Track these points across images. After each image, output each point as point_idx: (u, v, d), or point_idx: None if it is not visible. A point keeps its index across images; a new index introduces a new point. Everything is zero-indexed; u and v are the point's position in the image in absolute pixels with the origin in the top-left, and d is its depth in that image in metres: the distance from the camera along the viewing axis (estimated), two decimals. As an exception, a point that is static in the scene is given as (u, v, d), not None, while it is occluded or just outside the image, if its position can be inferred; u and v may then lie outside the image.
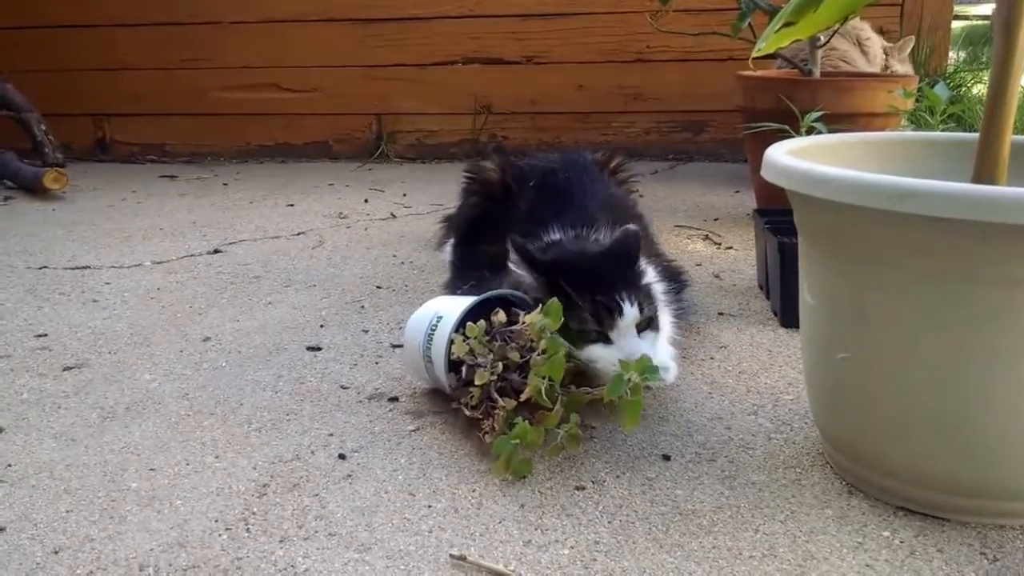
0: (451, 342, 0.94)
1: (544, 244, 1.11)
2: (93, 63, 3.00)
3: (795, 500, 0.81)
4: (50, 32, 3.00)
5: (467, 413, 0.92)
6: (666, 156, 2.84)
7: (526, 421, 0.86)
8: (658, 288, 1.10)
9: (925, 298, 0.71)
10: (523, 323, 0.93)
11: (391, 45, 2.89)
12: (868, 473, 0.81)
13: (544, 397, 0.87)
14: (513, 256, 1.02)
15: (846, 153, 0.94)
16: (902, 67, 2.32)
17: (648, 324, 1.00)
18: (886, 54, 2.32)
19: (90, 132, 3.08)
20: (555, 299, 0.92)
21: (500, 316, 0.95)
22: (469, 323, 0.95)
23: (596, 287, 0.97)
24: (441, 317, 0.98)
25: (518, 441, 0.85)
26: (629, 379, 0.85)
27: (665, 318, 1.07)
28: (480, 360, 0.92)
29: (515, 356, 0.92)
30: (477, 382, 0.91)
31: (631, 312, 0.96)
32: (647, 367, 0.85)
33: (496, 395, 0.91)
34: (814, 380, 0.88)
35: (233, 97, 2.98)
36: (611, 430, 0.95)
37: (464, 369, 0.93)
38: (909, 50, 2.35)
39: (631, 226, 1.07)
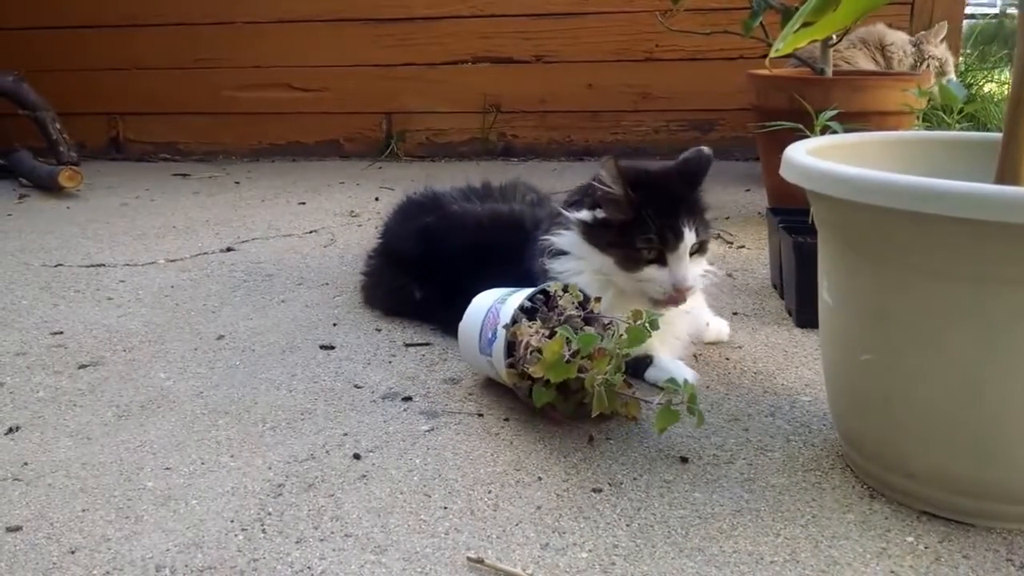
0: (547, 285, 1.00)
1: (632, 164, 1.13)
2: (107, 63, 3.01)
3: (816, 504, 0.80)
4: (65, 32, 3.01)
5: (523, 328, 0.94)
6: (675, 155, 2.80)
7: (595, 336, 0.90)
8: None
9: (950, 299, 0.70)
10: (623, 317, 0.96)
11: (401, 45, 2.89)
12: (890, 476, 0.80)
13: (611, 344, 0.90)
14: (605, 173, 1.04)
15: (864, 153, 0.93)
16: (939, 50, 2.26)
17: (699, 248, 1.05)
18: (915, 45, 2.27)
19: (104, 131, 3.09)
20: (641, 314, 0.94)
21: (598, 305, 1.00)
22: (573, 284, 1.00)
23: (666, 209, 1.03)
24: (520, 291, 1.03)
25: (575, 343, 0.89)
26: (675, 399, 0.86)
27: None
28: (571, 300, 0.97)
29: (589, 331, 0.95)
30: (562, 302, 0.96)
31: (690, 237, 1.02)
32: (694, 401, 0.86)
33: (572, 312, 0.95)
34: (834, 381, 0.87)
35: (245, 96, 2.99)
36: (626, 432, 0.95)
37: (551, 293, 0.99)
38: (944, 34, 2.28)
39: (704, 148, 1.11)
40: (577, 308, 0.98)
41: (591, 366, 0.89)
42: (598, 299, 1.00)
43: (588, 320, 0.98)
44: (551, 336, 0.92)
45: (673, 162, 1.13)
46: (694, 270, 1.04)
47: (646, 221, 1.01)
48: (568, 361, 0.89)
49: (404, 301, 1.32)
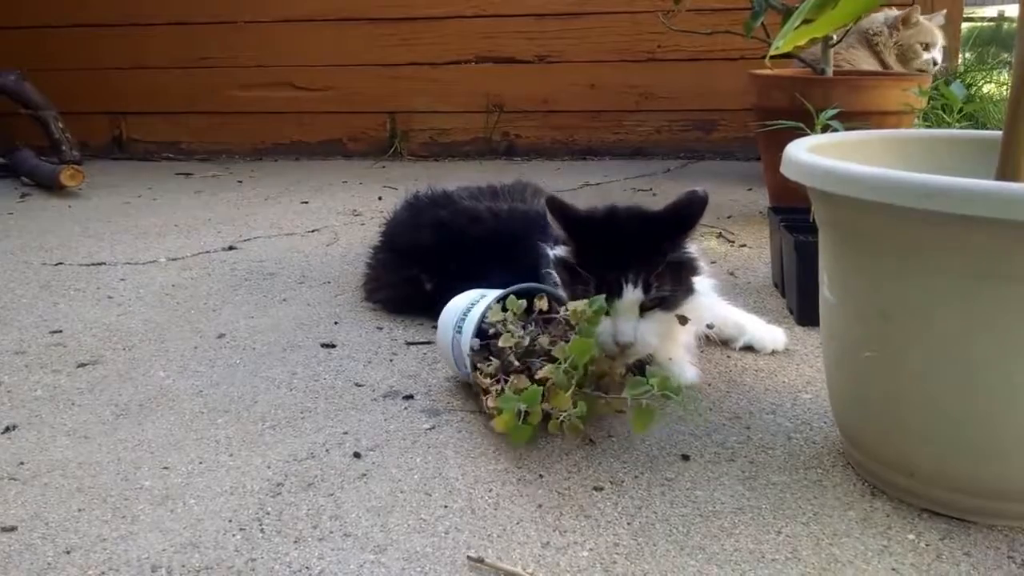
0: (487, 309, 0.96)
1: (593, 207, 1.07)
2: (110, 62, 3.02)
3: (817, 502, 0.80)
4: (68, 31, 3.02)
5: (481, 379, 0.92)
6: (678, 155, 2.83)
7: (539, 388, 0.87)
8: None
9: (952, 296, 0.69)
10: (565, 310, 0.94)
11: (404, 44, 2.89)
12: (891, 474, 0.80)
13: (561, 375, 0.87)
14: (549, 214, 1.01)
15: (865, 150, 0.93)
16: (905, 35, 2.22)
17: (658, 304, 0.99)
18: (889, 27, 2.22)
19: (107, 130, 3.09)
20: (603, 297, 0.92)
21: (543, 303, 0.97)
22: (511, 297, 0.96)
23: (610, 261, 0.97)
24: (484, 296, 1.01)
25: (523, 404, 0.85)
26: (648, 390, 0.84)
27: (701, 301, 1.06)
28: (512, 328, 0.93)
29: (543, 341, 0.93)
30: (500, 343, 0.92)
31: (631, 296, 0.97)
32: (668, 386, 0.84)
33: (514, 362, 0.91)
34: (836, 379, 0.86)
35: (248, 96, 2.99)
36: (627, 430, 0.94)
37: (491, 333, 0.94)
38: (916, 19, 2.23)
39: (699, 190, 1.00)
40: (521, 329, 0.94)
41: (550, 405, 0.86)
42: (541, 296, 0.97)
43: (548, 322, 0.96)
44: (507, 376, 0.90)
45: (661, 207, 1.03)
46: (645, 326, 0.97)
47: (581, 273, 0.98)
48: (524, 421, 0.86)
49: (411, 293, 1.31)
